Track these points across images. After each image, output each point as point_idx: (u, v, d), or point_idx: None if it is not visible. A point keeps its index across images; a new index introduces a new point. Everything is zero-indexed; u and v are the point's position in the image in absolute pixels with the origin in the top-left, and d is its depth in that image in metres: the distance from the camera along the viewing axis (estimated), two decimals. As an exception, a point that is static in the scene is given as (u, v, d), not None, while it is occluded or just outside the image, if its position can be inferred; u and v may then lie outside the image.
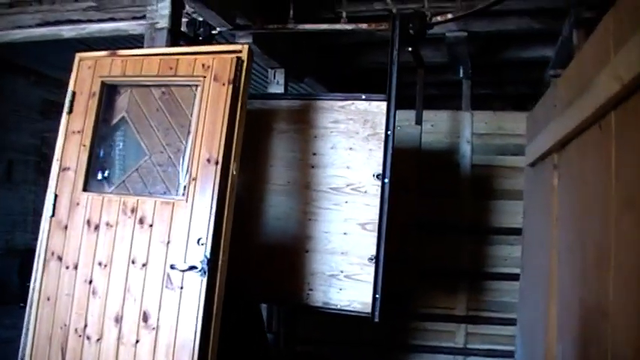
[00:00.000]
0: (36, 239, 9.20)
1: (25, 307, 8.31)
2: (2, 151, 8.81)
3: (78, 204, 4.27)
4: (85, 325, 4.12)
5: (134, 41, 6.12)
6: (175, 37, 4.74)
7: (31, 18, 7.09)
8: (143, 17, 6.27)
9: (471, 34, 6.84)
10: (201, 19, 5.47)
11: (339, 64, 8.57)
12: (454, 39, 6.92)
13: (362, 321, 4.68)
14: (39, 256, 4.42)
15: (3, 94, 8.79)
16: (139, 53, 4.43)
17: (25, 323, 4.59)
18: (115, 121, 4.44)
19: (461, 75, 8.14)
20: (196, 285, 3.85)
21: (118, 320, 4.02)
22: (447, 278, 7.36)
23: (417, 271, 6.19)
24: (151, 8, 4.74)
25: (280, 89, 6.95)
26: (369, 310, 4.58)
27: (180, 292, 3.88)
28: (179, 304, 3.88)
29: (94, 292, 4.12)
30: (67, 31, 6.39)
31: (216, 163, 3.93)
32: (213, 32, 5.52)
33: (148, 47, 4.69)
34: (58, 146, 4.42)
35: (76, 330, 4.15)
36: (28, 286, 8.52)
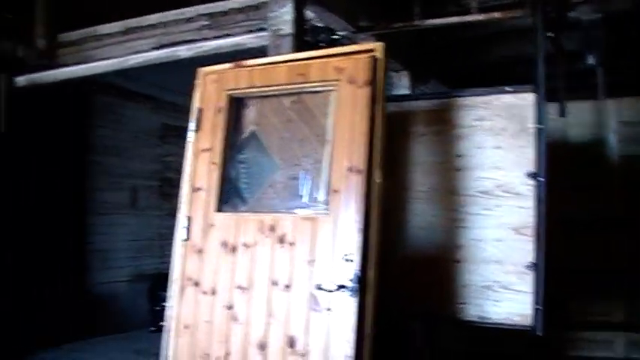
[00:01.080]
0: (163, 263, 9.28)
1: (155, 331, 8.37)
2: (126, 178, 8.84)
3: (212, 225, 4.03)
4: (228, 354, 3.86)
5: (249, 57, 5.93)
6: (300, 43, 4.47)
7: (146, 43, 7.03)
8: (260, 30, 6.09)
9: (607, 16, 6.27)
10: (320, 24, 5.20)
11: (462, 61, 8.13)
12: (589, 22, 6.36)
13: (508, 332, 4.26)
14: (174, 282, 4.20)
15: (124, 123, 8.83)
16: (265, 62, 4.17)
17: (162, 352, 4.40)
18: (244, 135, 4.20)
19: (592, 62, 7.51)
20: (346, 305, 3.52)
21: (263, 347, 3.74)
22: (598, 279, 6.73)
23: (568, 273, 5.67)
24: (272, 15, 4.50)
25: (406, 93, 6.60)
26: (528, 322, 4.18)
27: (329, 314, 3.56)
28: (328, 327, 3.56)
29: (235, 318, 3.86)
30: (184, 51, 6.25)
31: (359, 171, 3.60)
32: (334, 37, 5.22)
33: (274, 55, 4.43)
34: (188, 166, 4.21)
35: (217, 359, 3.89)
36: (157, 311, 8.55)
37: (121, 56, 6.96)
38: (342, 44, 5.36)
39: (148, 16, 7.18)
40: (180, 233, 4.20)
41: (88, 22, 7.59)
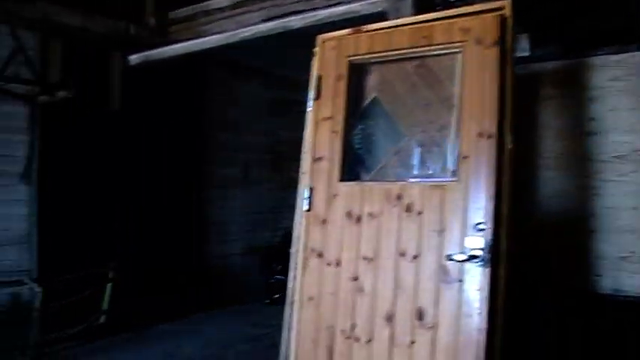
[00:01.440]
0: (275, 236, 9.35)
1: (270, 303, 8.44)
2: (239, 152, 8.90)
3: (336, 195, 3.94)
4: (353, 326, 3.78)
5: (362, 24, 5.79)
6: (420, 6, 4.29)
7: (256, 15, 7.02)
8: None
9: None
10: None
11: (584, 22, 7.71)
12: None
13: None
14: (298, 253, 4.14)
15: (235, 97, 8.87)
16: (386, 26, 4.02)
17: (285, 323, 4.36)
18: (365, 102, 4.07)
19: None
20: (477, 277, 3.37)
21: (390, 319, 3.64)
22: None
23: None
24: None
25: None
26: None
27: (459, 286, 3.42)
28: (458, 299, 3.42)
29: (360, 290, 3.77)
30: (296, 21, 6.16)
31: (489, 136, 3.43)
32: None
33: (394, 19, 4.27)
34: (308, 136, 4.13)
35: (343, 331, 3.82)
36: (271, 283, 8.62)
37: (231, 30, 6.96)
38: (458, 6, 5.13)
39: (254, -10, 7.17)
40: (302, 204, 4.12)
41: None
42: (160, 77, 7.55)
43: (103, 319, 6.76)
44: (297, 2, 6.70)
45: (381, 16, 5.10)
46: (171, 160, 7.83)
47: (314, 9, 6.36)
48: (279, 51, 8.08)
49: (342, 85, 4.02)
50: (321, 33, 6.13)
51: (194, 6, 7.57)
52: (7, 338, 6.13)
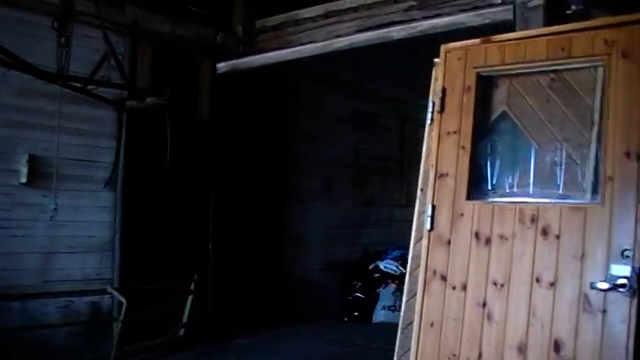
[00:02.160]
0: (354, 252, 9.16)
1: (349, 321, 8.23)
2: (322, 166, 8.74)
3: (462, 215, 3.72)
4: (480, 356, 3.54)
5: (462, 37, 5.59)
6: (553, 16, 4.05)
7: (348, 26, 6.85)
8: (474, 8, 5.74)
9: None
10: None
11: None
12: None
13: None
14: (416, 275, 3.93)
15: (320, 109, 8.73)
16: (519, 36, 3.80)
17: (397, 349, 4.14)
18: (493, 116, 3.85)
19: None
20: (623, 308, 3.12)
21: (522, 350, 3.40)
22: None
23: None
24: (519, -16, 4.09)
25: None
26: None
27: (602, 317, 3.16)
28: (601, 331, 3.17)
29: (488, 317, 3.54)
30: (397, 32, 5.97)
31: (639, 157, 3.17)
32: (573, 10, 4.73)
33: (522, 30, 4.05)
34: (432, 151, 3.91)
35: (467, 360, 3.59)
36: (350, 300, 8.41)
37: (323, 40, 6.82)
38: (596, 17, 4.85)
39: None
40: (423, 222, 3.91)
41: (285, 7, 7.55)
42: (247, 86, 7.49)
43: (182, 331, 6.64)
44: (393, 13, 6.52)
45: (491, 28, 4.88)
46: (257, 170, 7.72)
47: (412, 20, 6.18)
48: (366, 64, 7.92)
49: (470, 98, 3.81)
50: (415, 45, 5.99)
51: (283, 15, 7.45)
52: (85, 349, 6.05)
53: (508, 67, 3.76)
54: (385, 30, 6.07)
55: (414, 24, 5.86)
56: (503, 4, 5.44)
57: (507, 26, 5.07)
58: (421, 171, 4.08)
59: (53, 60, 5.44)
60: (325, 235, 8.76)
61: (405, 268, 4.76)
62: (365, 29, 6.61)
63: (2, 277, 5.73)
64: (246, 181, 7.58)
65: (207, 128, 7.12)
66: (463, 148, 3.77)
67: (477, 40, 3.89)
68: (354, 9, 6.83)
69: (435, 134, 3.91)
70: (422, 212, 3.97)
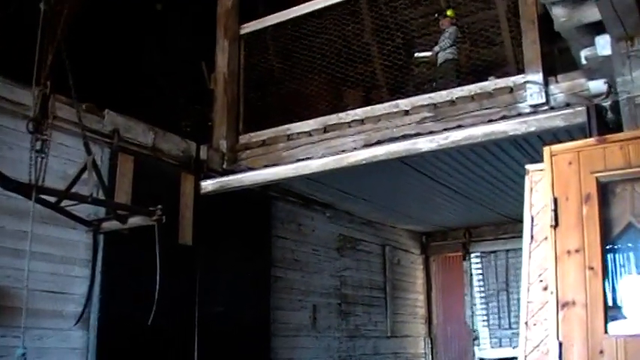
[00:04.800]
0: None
1: None
2: (307, 296, 7.87)
3: (602, 352, 2.95)
4: None
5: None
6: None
7: (353, 140, 6.24)
8: (503, 118, 5.27)
9: None
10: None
11: None
12: None
13: None
14: None
15: (303, 233, 7.97)
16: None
17: None
18: (617, 229, 3.18)
19: None
20: None
21: None
22: None
23: None
24: (622, 80, 3.55)
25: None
26: None
27: None
28: None
29: None
30: (425, 144, 5.37)
31: None
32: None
33: (630, 129, 3.47)
34: (549, 273, 3.18)
35: None
36: None
37: (322, 156, 6.16)
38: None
39: (351, 112, 6.44)
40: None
41: (273, 122, 6.94)
42: (230, 204, 6.71)
43: None
44: (404, 125, 5.95)
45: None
46: (240, 301, 6.76)
47: (431, 132, 5.61)
48: (351, 183, 7.33)
49: (592, 208, 3.15)
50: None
51: (273, 129, 6.79)
52: None
53: (635, 170, 3.13)
54: (411, 141, 5.45)
55: (445, 134, 5.28)
56: (554, 109, 4.95)
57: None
58: (524, 300, 3.32)
59: (24, 171, 4.52)
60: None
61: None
62: (372, 144, 6.00)
63: None
64: (231, 314, 6.61)
65: (190, 254, 6.21)
66: (591, 269, 3.06)
67: (590, 140, 3.31)
68: (360, 121, 6.23)
69: (550, 254, 3.19)
70: (531, 351, 3.18)
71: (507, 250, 10.17)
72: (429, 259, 10.98)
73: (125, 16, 7.03)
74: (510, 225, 9.69)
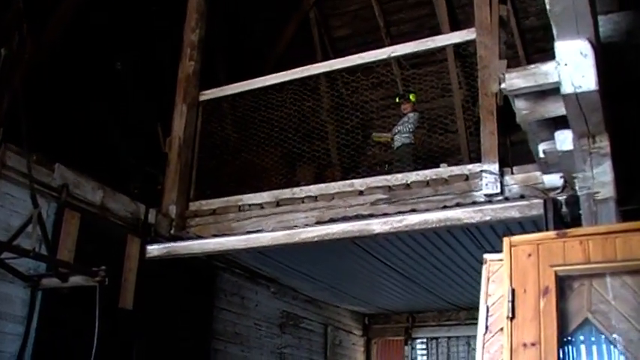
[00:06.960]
0: None
1: None
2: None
3: None
4: None
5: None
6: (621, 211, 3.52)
7: (305, 216, 6.17)
8: (457, 205, 5.26)
9: None
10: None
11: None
12: None
13: None
14: None
15: (247, 307, 7.77)
16: (602, 231, 3.19)
17: None
18: (572, 326, 3.13)
19: None
20: None
21: None
22: None
23: None
24: (582, 176, 3.57)
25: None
26: None
27: None
28: None
29: None
30: (379, 225, 5.31)
31: None
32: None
33: (589, 225, 3.47)
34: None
35: None
36: None
37: (273, 230, 6.05)
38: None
39: (305, 187, 6.39)
40: None
41: (224, 191, 6.85)
42: (172, 271, 6.56)
43: None
44: (359, 205, 5.92)
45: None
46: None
47: (385, 214, 5.57)
48: (296, 259, 7.22)
49: (549, 303, 3.09)
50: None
51: (224, 199, 6.69)
52: None
53: (594, 266, 3.11)
54: (365, 222, 5.39)
55: (399, 217, 5.24)
56: (508, 199, 4.98)
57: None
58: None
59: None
60: None
61: None
62: (323, 222, 5.92)
63: None
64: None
65: (129, 319, 5.97)
66: (546, 365, 2.99)
67: (550, 233, 3.28)
68: (314, 198, 6.18)
69: (506, 346, 3.12)
70: None
71: (449, 338, 10.10)
72: (370, 341, 10.81)
73: (84, 71, 6.95)
74: (454, 312, 9.66)
